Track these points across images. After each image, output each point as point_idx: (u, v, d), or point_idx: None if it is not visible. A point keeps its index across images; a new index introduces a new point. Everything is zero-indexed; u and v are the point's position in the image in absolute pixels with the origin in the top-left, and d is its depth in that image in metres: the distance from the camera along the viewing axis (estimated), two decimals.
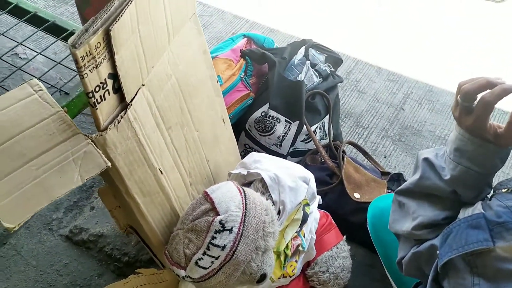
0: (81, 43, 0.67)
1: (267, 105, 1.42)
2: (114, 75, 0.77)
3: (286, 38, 2.20)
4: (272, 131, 1.42)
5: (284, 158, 1.46)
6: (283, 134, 1.41)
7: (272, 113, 1.41)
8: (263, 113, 1.42)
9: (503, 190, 0.77)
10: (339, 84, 1.55)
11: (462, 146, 0.80)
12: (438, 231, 0.82)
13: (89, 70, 0.70)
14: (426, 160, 0.87)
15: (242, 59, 1.53)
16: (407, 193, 0.91)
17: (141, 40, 0.80)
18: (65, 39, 1.28)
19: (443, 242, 0.76)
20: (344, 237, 1.26)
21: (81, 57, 0.67)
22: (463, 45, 2.25)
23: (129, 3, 0.73)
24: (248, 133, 1.47)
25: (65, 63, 1.31)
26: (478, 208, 0.75)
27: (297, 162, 1.47)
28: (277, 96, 1.41)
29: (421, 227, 0.85)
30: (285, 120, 1.41)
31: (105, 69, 0.74)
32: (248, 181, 1.18)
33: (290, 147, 1.44)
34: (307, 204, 1.16)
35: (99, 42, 0.70)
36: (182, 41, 0.96)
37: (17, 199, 0.66)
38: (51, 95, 0.81)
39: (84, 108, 1.22)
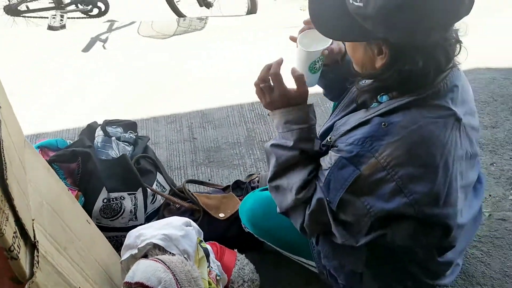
0: None
1: (103, 191, 1.46)
2: (16, 221, 0.76)
3: (58, 132, 2.19)
4: (122, 210, 1.47)
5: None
6: (134, 206, 1.48)
7: (114, 194, 1.46)
8: (105, 200, 1.46)
9: (337, 137, 1.09)
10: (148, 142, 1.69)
11: (286, 118, 1.12)
12: (313, 184, 1.09)
13: (5, 225, 0.69)
14: (273, 145, 1.14)
15: None
16: (275, 177, 1.16)
17: (17, 178, 0.80)
18: None
19: (328, 190, 1.03)
20: (236, 250, 1.44)
21: None
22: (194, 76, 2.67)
23: (1, 146, 0.74)
24: (98, 226, 1.47)
25: None
26: (333, 155, 1.04)
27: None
28: (109, 178, 1.47)
29: (300, 190, 1.10)
30: (128, 194, 1.48)
31: (11, 218, 0.73)
32: (139, 257, 1.23)
33: (145, 214, 1.51)
34: (201, 241, 1.29)
35: (1, 195, 0.70)
36: (30, 167, 0.97)
37: None
38: None
39: None
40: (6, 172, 0.71)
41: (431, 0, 0.85)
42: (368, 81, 1.08)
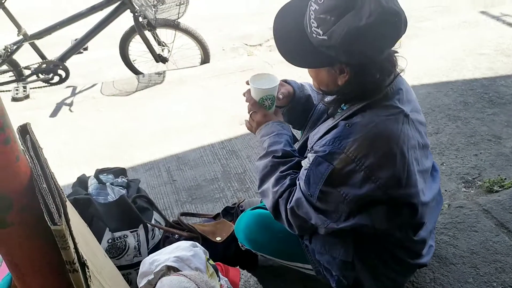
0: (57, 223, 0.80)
1: (107, 232, 1.56)
2: (72, 240, 0.89)
3: None
4: (126, 248, 1.58)
5: None
6: (137, 243, 1.59)
7: (117, 234, 1.57)
8: (109, 240, 1.56)
9: (312, 143, 1.29)
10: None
11: (261, 134, 1.42)
12: (286, 180, 1.31)
13: (68, 240, 0.82)
14: (258, 159, 1.39)
15: None
16: (260, 184, 1.38)
17: None
18: None
19: (308, 185, 1.22)
20: (238, 267, 1.57)
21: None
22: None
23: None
24: None
25: None
26: (310, 155, 1.24)
27: None
28: (110, 220, 1.58)
29: (275, 185, 1.32)
30: (130, 232, 1.59)
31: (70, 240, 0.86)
32: (155, 283, 1.34)
33: (148, 249, 1.62)
34: (209, 259, 1.42)
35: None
36: None
37: None
38: None
39: None
40: (63, 194, 0.85)
41: (381, 28, 1.08)
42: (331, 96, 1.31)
